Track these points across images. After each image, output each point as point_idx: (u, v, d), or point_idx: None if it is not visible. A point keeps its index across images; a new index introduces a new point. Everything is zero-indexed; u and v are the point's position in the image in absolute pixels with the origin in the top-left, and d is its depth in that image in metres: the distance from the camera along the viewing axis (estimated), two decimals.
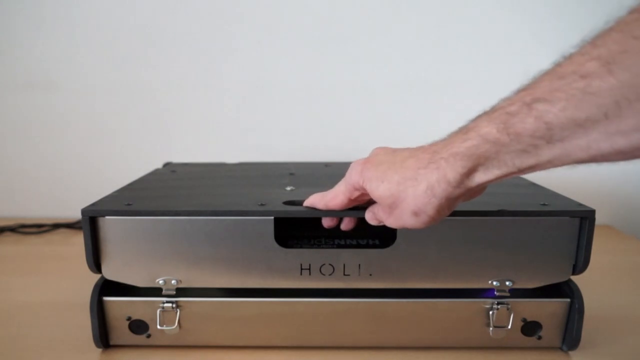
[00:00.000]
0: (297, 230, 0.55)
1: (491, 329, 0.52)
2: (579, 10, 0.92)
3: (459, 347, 0.54)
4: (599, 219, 0.51)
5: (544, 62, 0.33)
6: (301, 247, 0.52)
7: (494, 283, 0.51)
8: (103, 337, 0.52)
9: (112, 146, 1.02)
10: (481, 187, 0.38)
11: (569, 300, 0.51)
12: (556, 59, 0.32)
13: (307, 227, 0.55)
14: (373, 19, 0.96)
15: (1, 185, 1.04)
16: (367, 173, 0.42)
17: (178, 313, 0.52)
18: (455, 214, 0.48)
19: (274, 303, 0.52)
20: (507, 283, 0.51)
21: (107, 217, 0.50)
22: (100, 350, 0.53)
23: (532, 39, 0.95)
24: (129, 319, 0.52)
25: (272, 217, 0.49)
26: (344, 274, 0.51)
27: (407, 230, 0.49)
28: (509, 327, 0.51)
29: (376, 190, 0.41)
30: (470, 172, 0.36)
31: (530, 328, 0.52)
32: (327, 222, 0.51)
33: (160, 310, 0.51)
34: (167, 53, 0.98)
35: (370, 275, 0.51)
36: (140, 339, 0.53)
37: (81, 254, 0.50)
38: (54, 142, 1.02)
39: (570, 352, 0.53)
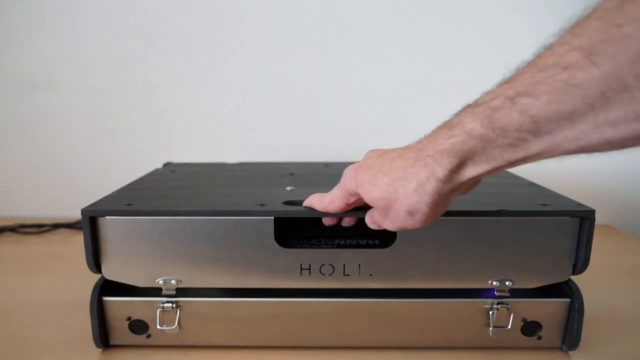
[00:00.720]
0: (297, 230, 0.55)
1: (491, 329, 0.52)
2: (579, 10, 0.92)
3: (459, 347, 0.54)
4: (599, 219, 0.51)
5: None
6: (301, 247, 0.52)
7: (494, 283, 0.51)
8: (103, 337, 0.52)
9: (112, 146, 1.02)
10: (475, 180, 0.38)
11: (569, 300, 0.51)
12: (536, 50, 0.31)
13: (307, 227, 0.55)
14: (373, 19, 0.96)
15: (1, 185, 1.04)
16: (359, 178, 0.42)
17: (178, 313, 0.52)
18: (454, 214, 0.48)
19: (274, 303, 0.52)
20: (507, 283, 0.51)
21: (107, 217, 0.50)
22: (100, 350, 0.53)
23: (532, 39, 0.95)
24: (129, 319, 0.52)
25: (272, 217, 0.49)
26: (344, 274, 0.51)
27: (407, 230, 0.49)
28: (509, 327, 0.51)
29: (368, 194, 0.41)
30: (458, 168, 0.36)
31: (530, 328, 0.52)
32: (327, 221, 0.52)
33: (160, 310, 0.51)
34: (167, 53, 0.98)
35: (370, 275, 0.51)
36: (140, 339, 0.53)
37: (81, 254, 0.50)
38: (54, 142, 1.02)
39: (570, 352, 0.53)
